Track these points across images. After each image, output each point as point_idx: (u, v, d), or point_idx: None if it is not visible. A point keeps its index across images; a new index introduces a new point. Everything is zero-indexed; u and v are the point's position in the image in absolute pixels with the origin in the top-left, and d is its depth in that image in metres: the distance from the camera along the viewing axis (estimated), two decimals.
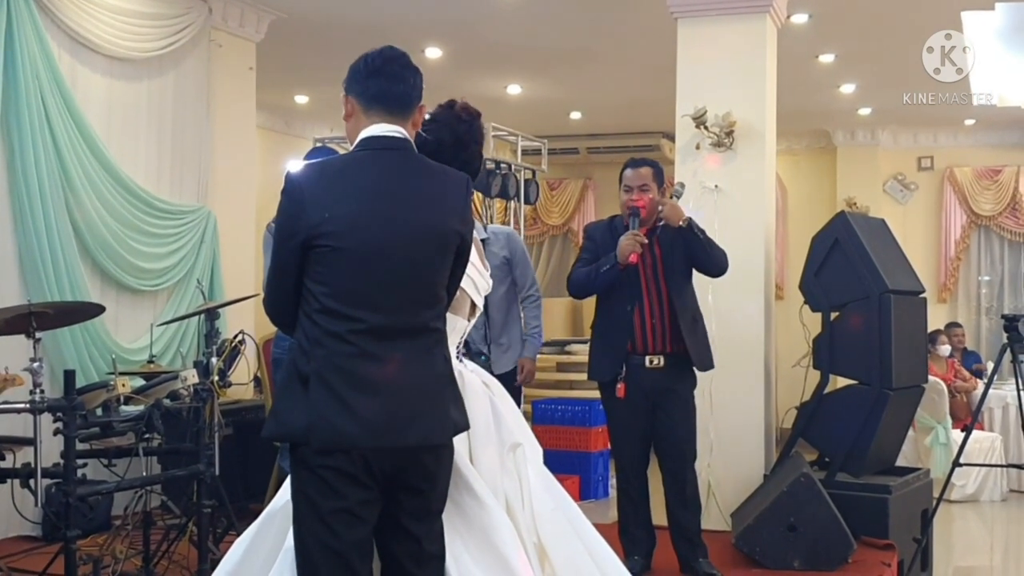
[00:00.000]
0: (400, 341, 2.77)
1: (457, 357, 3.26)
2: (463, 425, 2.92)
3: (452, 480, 2.94)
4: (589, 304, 13.80)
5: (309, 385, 2.70)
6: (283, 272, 2.80)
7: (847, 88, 10.18)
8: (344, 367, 2.70)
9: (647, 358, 5.22)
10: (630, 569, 5.14)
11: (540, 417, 8.90)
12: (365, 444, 2.69)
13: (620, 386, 5.22)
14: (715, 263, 5.30)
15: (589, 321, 13.49)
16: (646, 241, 5.13)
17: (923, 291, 6.47)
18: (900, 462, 6.81)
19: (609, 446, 8.93)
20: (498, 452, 3.18)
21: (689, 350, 5.23)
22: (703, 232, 5.22)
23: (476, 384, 3.24)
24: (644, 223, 5.21)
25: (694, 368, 5.33)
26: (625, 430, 5.34)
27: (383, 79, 2.89)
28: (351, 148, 2.92)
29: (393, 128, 2.88)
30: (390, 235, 2.77)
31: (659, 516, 5.42)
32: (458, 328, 3.28)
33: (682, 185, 5.13)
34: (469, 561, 2.94)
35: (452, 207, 2.92)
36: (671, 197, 5.33)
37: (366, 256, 2.74)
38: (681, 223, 5.14)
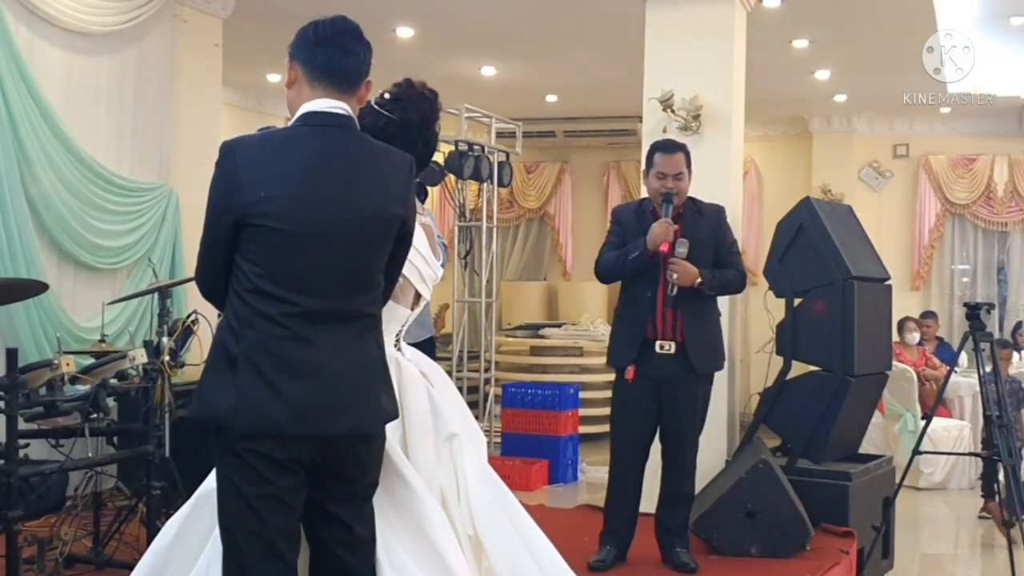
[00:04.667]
0: (333, 326, 2.70)
1: (396, 345, 3.20)
2: (393, 413, 2.85)
3: (384, 469, 2.88)
4: (565, 288, 13.85)
5: (237, 367, 2.63)
6: (214, 248, 2.73)
7: (822, 74, 10.13)
8: (275, 350, 2.63)
9: (658, 343, 5.13)
10: (602, 560, 5.16)
11: (510, 401, 8.89)
12: (292, 431, 2.63)
13: (630, 368, 5.15)
14: (733, 293, 5.54)
15: (564, 306, 13.56)
16: (676, 227, 5.07)
17: (888, 278, 6.44)
18: (869, 449, 6.80)
19: (579, 430, 9.00)
20: (434, 443, 3.11)
21: (687, 345, 5.12)
22: (714, 284, 5.15)
23: (413, 373, 3.16)
24: (674, 209, 5.15)
25: (710, 362, 5.25)
26: (626, 414, 5.24)
27: (333, 51, 2.80)
28: (291, 120, 2.84)
29: (337, 104, 2.79)
30: (329, 217, 2.69)
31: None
32: (399, 317, 3.20)
33: (683, 244, 5.05)
34: (400, 550, 2.88)
35: (394, 189, 2.84)
36: (675, 255, 5.10)
37: (303, 238, 2.66)
38: (696, 284, 5.07)
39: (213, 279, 2.76)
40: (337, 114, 2.79)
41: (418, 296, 3.28)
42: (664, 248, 5.02)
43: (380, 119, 3.17)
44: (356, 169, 2.77)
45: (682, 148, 5.27)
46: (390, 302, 3.02)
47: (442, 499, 3.05)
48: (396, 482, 2.93)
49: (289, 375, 2.63)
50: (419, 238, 3.12)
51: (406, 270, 3.05)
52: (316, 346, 2.66)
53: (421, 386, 3.14)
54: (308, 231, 2.67)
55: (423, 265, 3.23)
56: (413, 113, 3.22)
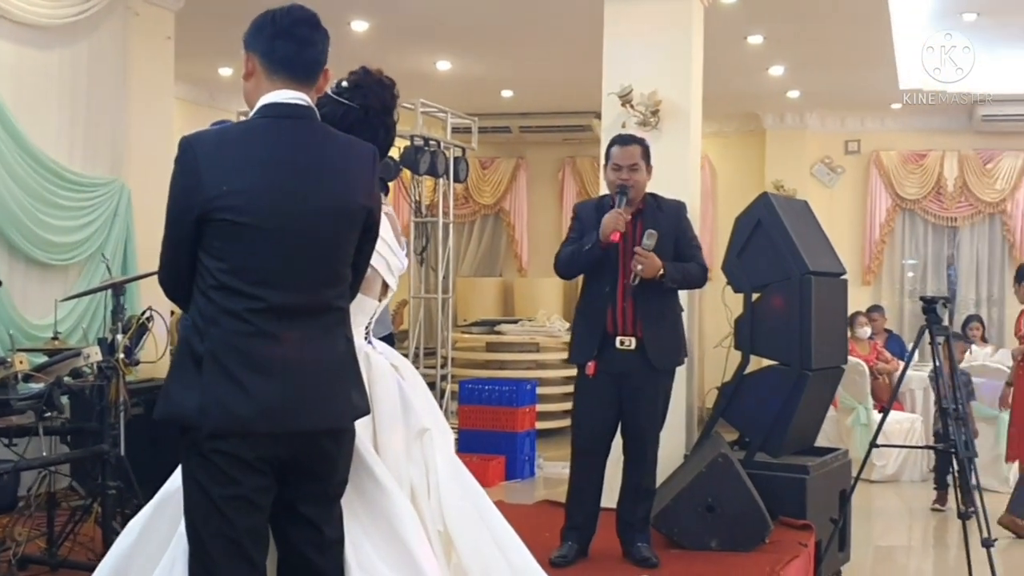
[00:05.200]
0: (300, 320, 2.65)
1: (366, 338, 3.17)
2: (364, 409, 2.81)
3: (353, 465, 2.84)
4: (521, 285, 13.82)
5: (203, 365, 2.58)
6: (177, 246, 2.66)
7: (776, 70, 10.19)
8: (240, 347, 2.58)
9: (618, 339, 5.12)
10: (563, 555, 5.15)
11: (467, 397, 8.87)
12: (260, 428, 2.58)
13: (591, 364, 5.13)
14: (694, 288, 5.53)
15: (520, 302, 13.57)
16: (628, 218, 5.05)
17: (844, 272, 6.49)
18: (822, 442, 6.84)
19: (536, 426, 9.00)
20: (404, 438, 3.08)
21: (645, 341, 5.10)
22: (676, 276, 5.12)
23: (384, 366, 3.14)
24: (631, 203, 5.12)
25: (669, 358, 5.23)
26: (587, 410, 5.22)
27: (291, 43, 2.74)
28: (250, 113, 2.78)
29: (297, 95, 2.74)
30: (292, 210, 2.64)
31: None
32: (367, 309, 3.17)
33: (651, 235, 5.03)
34: (370, 548, 2.85)
35: (359, 180, 2.80)
36: (643, 246, 5.06)
37: (266, 232, 2.61)
38: (659, 276, 5.04)
39: (177, 278, 2.71)
40: (298, 105, 2.74)
41: (386, 287, 3.25)
42: (615, 237, 5.00)
43: (340, 108, 3.15)
44: (320, 160, 2.73)
45: (638, 141, 5.27)
46: (358, 294, 2.98)
47: (412, 494, 3.02)
48: (366, 478, 2.89)
49: (255, 372, 2.57)
50: (385, 228, 3.09)
51: (374, 260, 3.02)
52: (283, 342, 2.61)
53: (392, 379, 3.11)
54: (272, 225, 2.62)
55: (390, 255, 3.20)
56: (374, 100, 3.19)
